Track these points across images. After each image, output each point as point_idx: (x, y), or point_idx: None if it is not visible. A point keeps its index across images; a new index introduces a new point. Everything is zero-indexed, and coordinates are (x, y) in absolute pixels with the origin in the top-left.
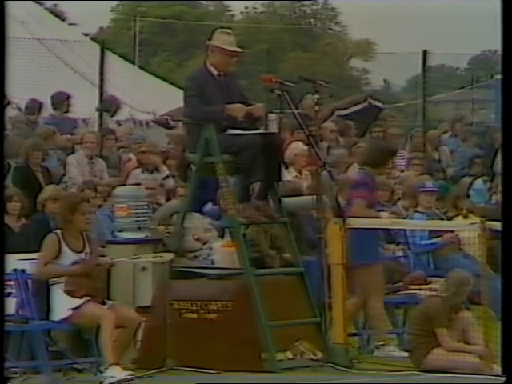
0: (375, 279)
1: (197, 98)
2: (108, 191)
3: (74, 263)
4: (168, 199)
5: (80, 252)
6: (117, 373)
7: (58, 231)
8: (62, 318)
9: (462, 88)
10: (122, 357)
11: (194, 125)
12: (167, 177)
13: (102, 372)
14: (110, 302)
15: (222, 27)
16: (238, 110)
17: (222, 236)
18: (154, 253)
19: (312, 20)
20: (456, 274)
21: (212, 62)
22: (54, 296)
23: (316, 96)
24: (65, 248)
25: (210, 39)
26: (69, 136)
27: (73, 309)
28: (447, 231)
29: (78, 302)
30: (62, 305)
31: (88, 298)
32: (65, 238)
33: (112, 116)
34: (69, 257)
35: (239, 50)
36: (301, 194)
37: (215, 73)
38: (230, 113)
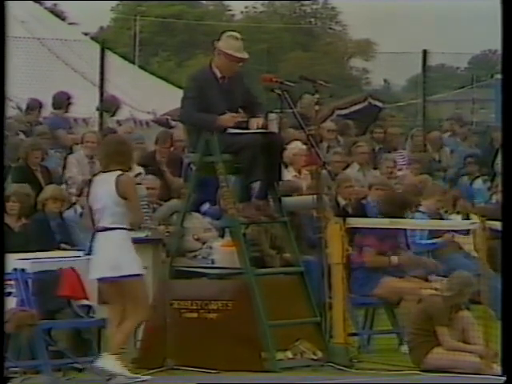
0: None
1: (195, 101)
2: None
3: None
4: (168, 199)
5: None
6: (110, 364)
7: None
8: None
9: (462, 88)
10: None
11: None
12: (139, 174)
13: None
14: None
15: (230, 30)
16: (228, 120)
17: (222, 236)
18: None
19: (312, 19)
20: (460, 274)
21: (217, 65)
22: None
23: (316, 95)
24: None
25: (218, 39)
26: (70, 135)
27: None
28: (447, 231)
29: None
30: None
31: None
32: None
33: (112, 116)
34: None
35: (245, 56)
36: (300, 194)
37: (219, 75)
38: (220, 123)
